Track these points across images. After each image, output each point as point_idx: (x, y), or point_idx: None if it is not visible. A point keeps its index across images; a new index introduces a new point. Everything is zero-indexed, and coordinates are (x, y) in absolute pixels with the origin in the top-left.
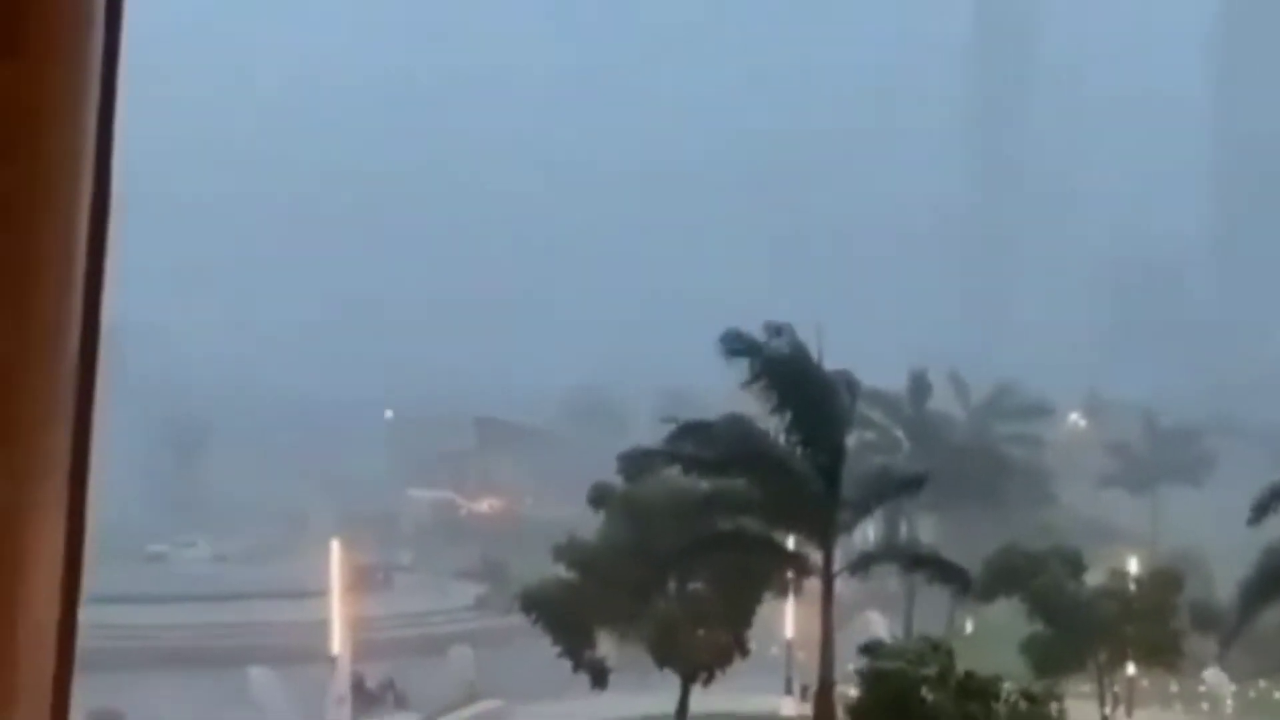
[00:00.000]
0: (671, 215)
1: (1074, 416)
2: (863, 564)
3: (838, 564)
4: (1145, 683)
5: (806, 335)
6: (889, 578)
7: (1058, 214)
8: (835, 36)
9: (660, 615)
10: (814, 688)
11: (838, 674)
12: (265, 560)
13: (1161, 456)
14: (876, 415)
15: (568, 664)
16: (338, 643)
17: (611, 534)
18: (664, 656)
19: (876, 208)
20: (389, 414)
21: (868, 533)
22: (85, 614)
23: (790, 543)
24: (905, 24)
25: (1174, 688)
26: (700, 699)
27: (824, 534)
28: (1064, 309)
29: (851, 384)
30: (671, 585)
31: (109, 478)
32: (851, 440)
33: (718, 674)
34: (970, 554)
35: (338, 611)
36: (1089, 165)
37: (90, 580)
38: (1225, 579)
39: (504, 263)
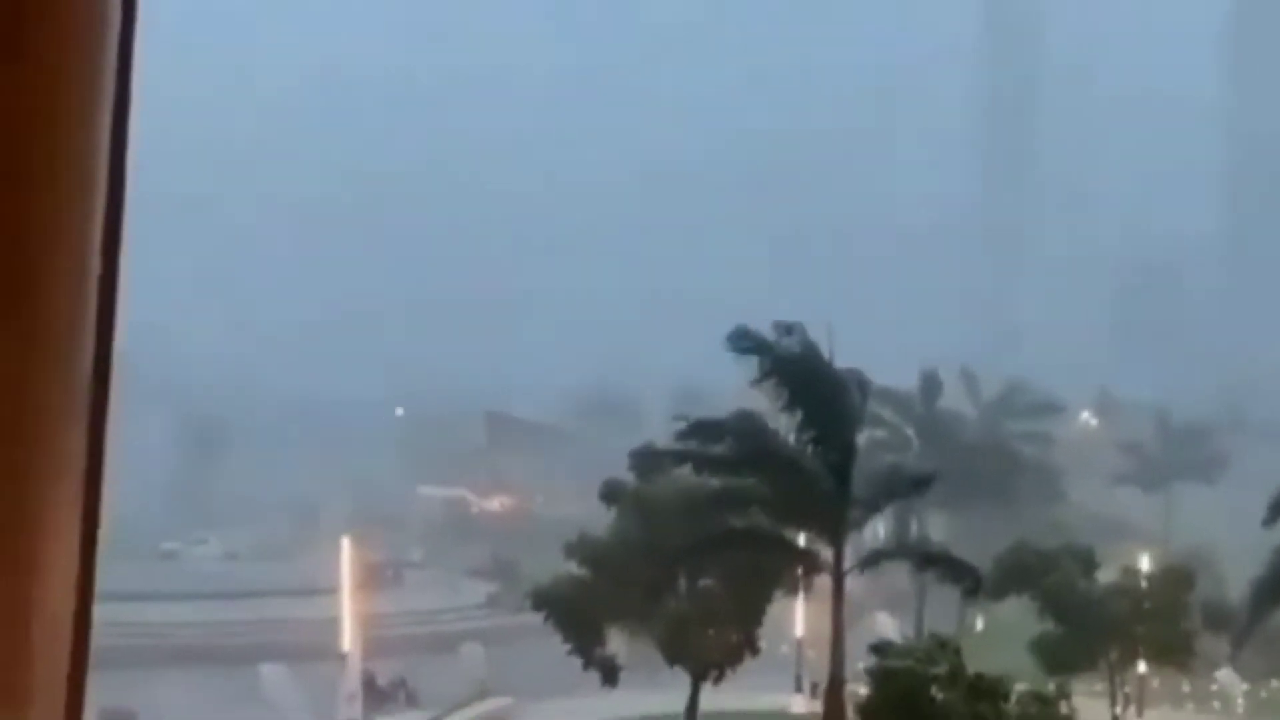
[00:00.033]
0: (682, 214)
1: (1085, 415)
2: (873, 560)
3: (848, 562)
4: (1156, 682)
5: (816, 334)
6: (899, 575)
7: (1067, 213)
8: (841, 36)
9: (671, 613)
10: (824, 686)
11: (847, 673)
12: (276, 558)
13: (1174, 455)
14: (887, 413)
15: (578, 662)
16: (348, 640)
17: (623, 531)
18: (674, 654)
19: (886, 207)
20: (400, 411)
21: (878, 530)
22: (97, 611)
23: (801, 540)
24: (912, 23)
25: (1185, 688)
26: (710, 697)
27: (835, 532)
28: (1073, 308)
29: (862, 382)
30: (682, 583)
31: (120, 476)
32: (861, 438)
33: (728, 672)
34: (981, 552)
35: (349, 609)
36: (1098, 164)
37: (102, 577)
38: (1237, 578)
39: (513, 261)
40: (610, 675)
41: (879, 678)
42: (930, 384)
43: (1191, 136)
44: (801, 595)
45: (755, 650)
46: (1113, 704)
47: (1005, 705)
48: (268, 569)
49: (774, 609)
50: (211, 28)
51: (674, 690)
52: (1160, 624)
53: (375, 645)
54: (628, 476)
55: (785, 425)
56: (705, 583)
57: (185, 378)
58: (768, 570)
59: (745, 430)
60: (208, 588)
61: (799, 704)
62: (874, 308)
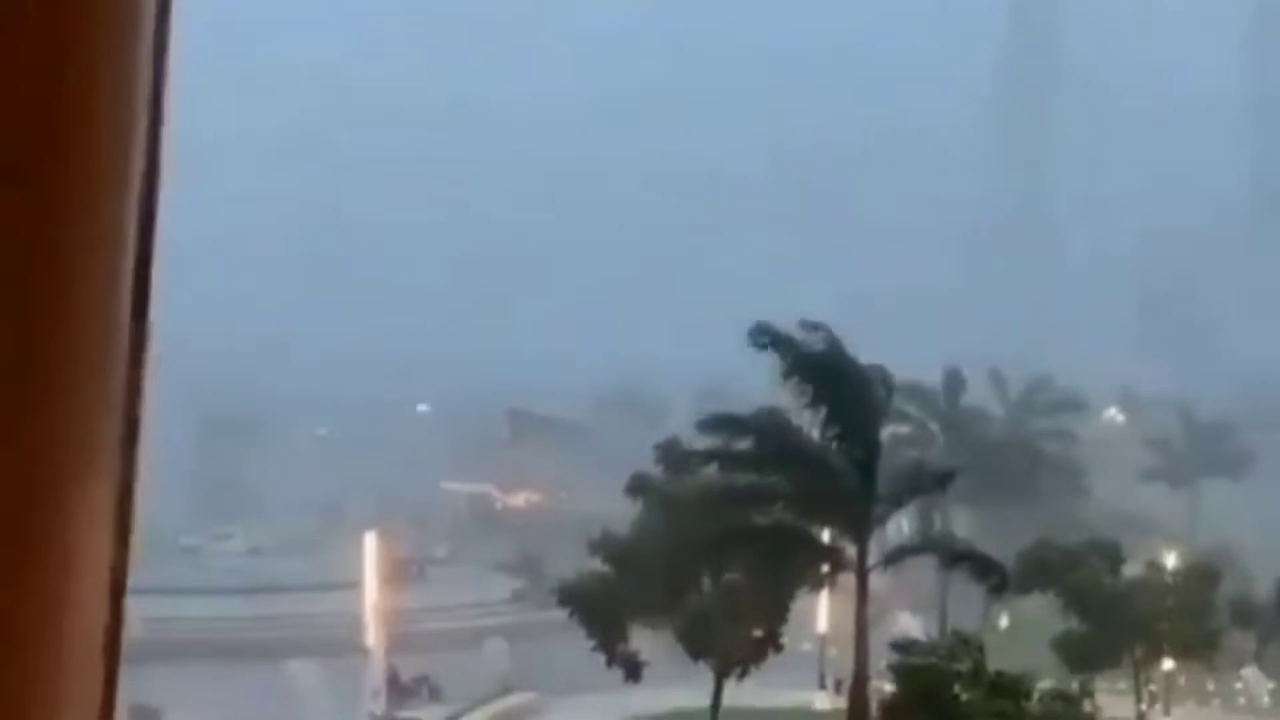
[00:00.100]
0: (706, 212)
1: (1111, 411)
2: (898, 556)
3: (872, 559)
4: (1182, 680)
5: (842, 333)
6: (922, 574)
7: (1091, 211)
8: (863, 36)
9: (693, 608)
10: (847, 682)
11: (870, 670)
12: (301, 553)
13: (1200, 451)
14: (912, 409)
15: (602, 657)
16: (372, 636)
17: (647, 525)
18: (697, 650)
19: (912, 207)
20: (424, 408)
21: (902, 526)
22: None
23: (825, 537)
24: (941, 24)
25: (1211, 685)
26: (734, 693)
27: (859, 528)
28: (1097, 307)
29: (886, 379)
30: (706, 579)
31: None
32: (885, 434)
33: (751, 669)
34: (1004, 548)
35: (372, 605)
36: (1123, 162)
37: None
38: (1264, 575)
39: (538, 257)
40: (633, 671)
41: (902, 674)
42: (954, 380)
43: (1214, 136)
44: (824, 592)
45: (778, 647)
46: (1138, 701)
47: (1027, 703)
48: (292, 564)
49: (796, 605)
50: (232, 44)
51: (698, 687)
52: (1186, 621)
53: (399, 641)
54: (653, 470)
55: (809, 422)
56: (729, 578)
57: (208, 373)
58: (792, 566)
59: (768, 426)
60: (232, 583)
61: (822, 701)
62: (899, 306)
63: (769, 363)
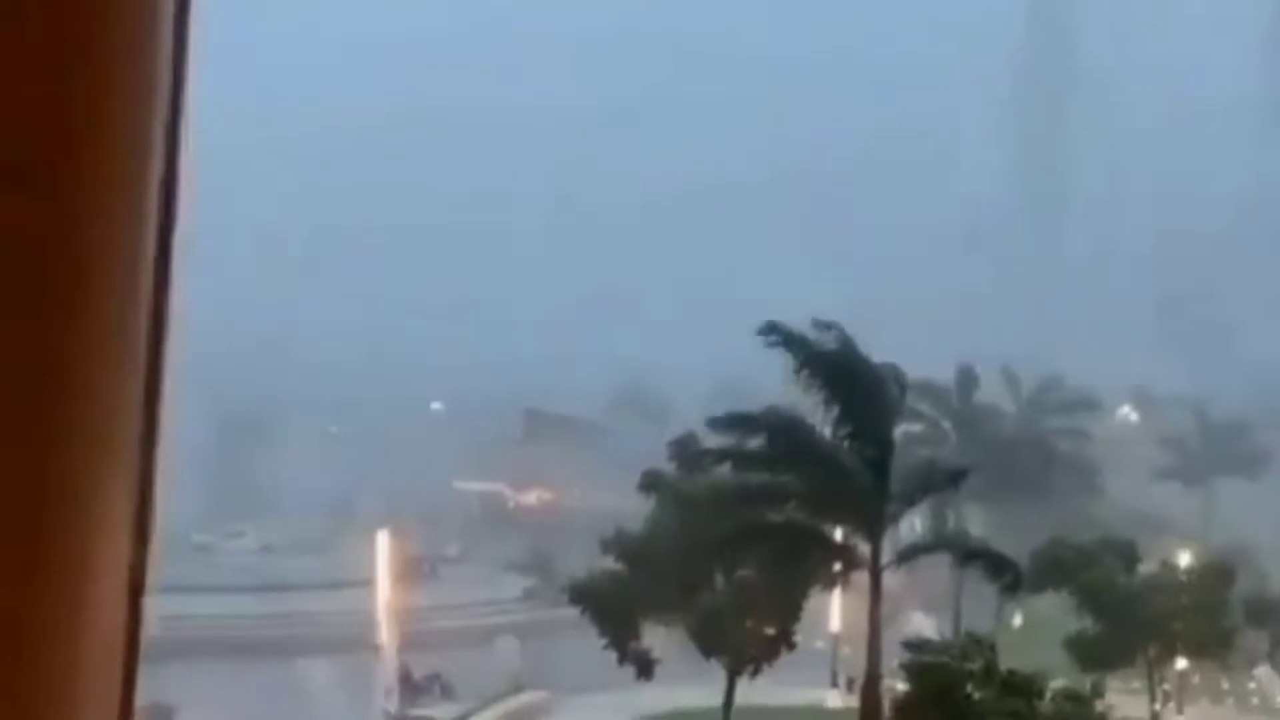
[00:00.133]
0: (719, 213)
1: (1125, 410)
2: (911, 555)
3: (885, 557)
4: (1196, 679)
5: (855, 331)
6: (935, 573)
7: (1106, 211)
8: (887, 39)
9: (705, 606)
10: (860, 681)
11: (883, 669)
12: (313, 551)
13: (1215, 450)
14: (925, 407)
15: (614, 655)
16: (384, 634)
17: (660, 521)
18: (709, 647)
19: (924, 206)
20: (437, 406)
21: (915, 524)
22: None
23: (838, 535)
24: (955, 23)
25: (1225, 685)
26: (746, 691)
27: (872, 527)
28: (1112, 306)
29: (899, 377)
30: (719, 577)
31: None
32: (897, 433)
33: (764, 666)
34: (1017, 547)
35: (384, 603)
36: (1137, 161)
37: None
38: (1279, 575)
39: (550, 257)
40: (645, 669)
41: (914, 673)
42: (966, 378)
43: (1231, 137)
44: (838, 590)
45: (791, 645)
46: (1151, 700)
47: (1039, 702)
48: (304, 562)
49: (809, 604)
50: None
51: (710, 685)
52: (1200, 620)
53: (411, 639)
54: (666, 467)
55: (820, 420)
56: (742, 575)
57: (220, 370)
58: (805, 564)
59: (780, 425)
60: (244, 581)
61: (834, 699)
62: (914, 306)
63: (781, 362)
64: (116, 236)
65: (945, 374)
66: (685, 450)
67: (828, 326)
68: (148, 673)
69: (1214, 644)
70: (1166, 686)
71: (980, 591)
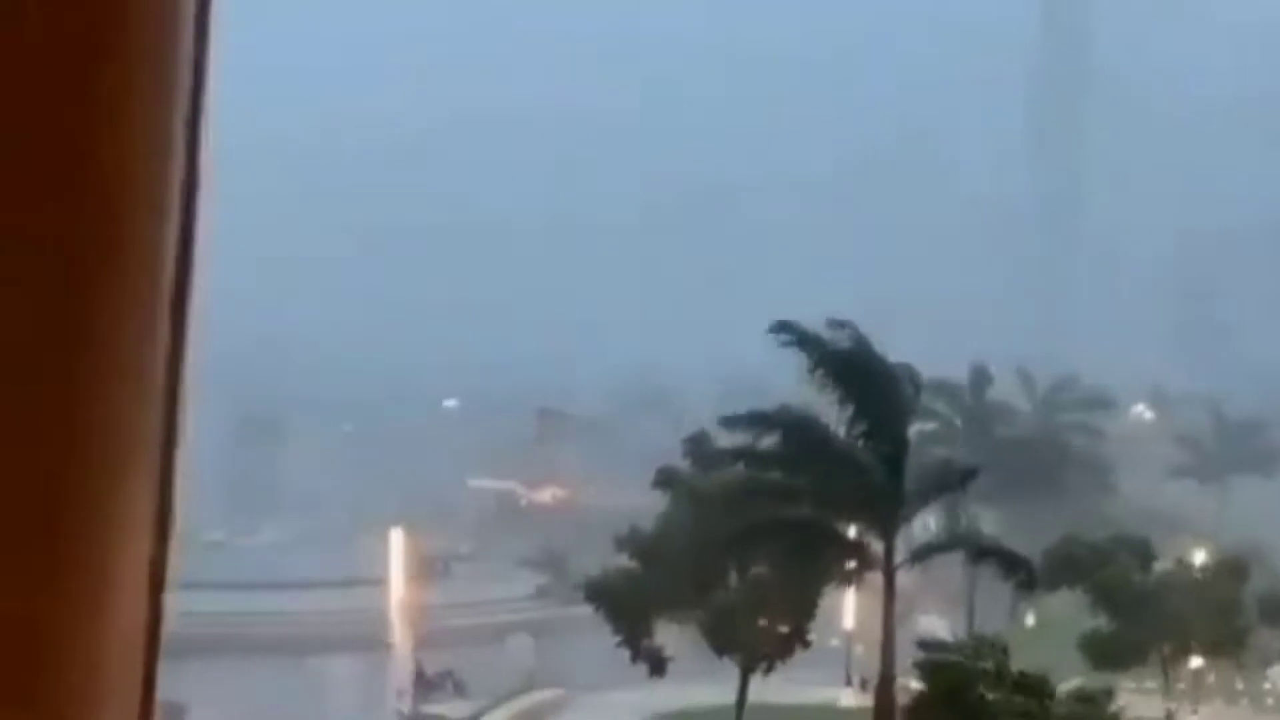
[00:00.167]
0: (733, 211)
1: (1139, 408)
2: (925, 553)
3: (899, 556)
4: (1210, 678)
5: (870, 331)
6: (951, 569)
7: (1121, 210)
8: (903, 40)
9: (719, 603)
10: (874, 680)
11: (896, 668)
12: (327, 549)
13: (1230, 448)
14: (939, 406)
15: (627, 653)
16: (397, 631)
17: (674, 519)
18: (722, 645)
19: (939, 205)
20: (451, 404)
21: (928, 523)
22: None
23: (852, 534)
24: (971, 25)
25: (1239, 684)
26: (759, 689)
27: (886, 525)
28: (1127, 305)
29: (914, 376)
30: (733, 575)
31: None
32: (911, 431)
33: (777, 665)
34: (1030, 545)
35: (397, 600)
36: (1153, 161)
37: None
38: None
39: (564, 255)
40: (658, 666)
41: (928, 672)
42: (979, 377)
43: (1245, 137)
44: (852, 589)
45: (805, 643)
46: (1165, 699)
47: (1050, 702)
48: (318, 560)
49: (823, 602)
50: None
51: (723, 683)
52: (1214, 618)
53: (424, 636)
54: (680, 465)
55: (834, 419)
56: (756, 573)
57: (235, 370)
58: (819, 562)
59: (793, 423)
60: (258, 578)
61: (848, 698)
62: (928, 304)
63: (795, 361)
64: (137, 236)
65: (960, 373)
66: (699, 448)
67: (841, 325)
68: (160, 670)
69: (1229, 642)
70: (1181, 685)
71: (994, 590)
